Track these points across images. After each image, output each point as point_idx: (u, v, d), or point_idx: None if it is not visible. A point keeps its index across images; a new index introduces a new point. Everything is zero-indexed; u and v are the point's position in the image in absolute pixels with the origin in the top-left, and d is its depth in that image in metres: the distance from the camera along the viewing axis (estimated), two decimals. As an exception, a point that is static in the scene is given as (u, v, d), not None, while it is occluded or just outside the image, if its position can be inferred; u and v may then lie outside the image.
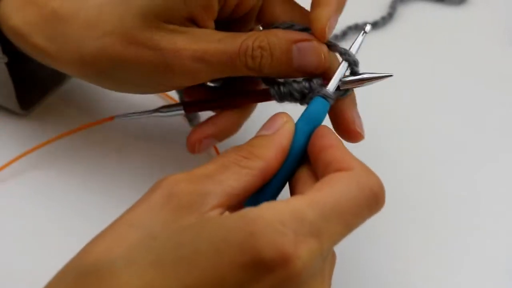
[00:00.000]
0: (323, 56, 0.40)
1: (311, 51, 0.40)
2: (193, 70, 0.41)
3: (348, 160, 0.35)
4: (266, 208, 0.31)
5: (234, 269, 0.30)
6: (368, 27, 0.41)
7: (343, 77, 0.41)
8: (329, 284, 0.35)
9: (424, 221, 0.48)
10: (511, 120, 0.56)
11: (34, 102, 0.52)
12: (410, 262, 0.46)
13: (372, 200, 0.34)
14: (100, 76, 0.44)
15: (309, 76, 0.41)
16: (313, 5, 0.41)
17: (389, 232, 0.47)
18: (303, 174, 0.37)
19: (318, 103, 0.39)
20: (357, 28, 0.61)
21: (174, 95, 0.53)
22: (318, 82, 0.41)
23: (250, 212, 0.31)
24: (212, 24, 0.42)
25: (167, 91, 0.46)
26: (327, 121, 0.40)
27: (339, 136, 0.38)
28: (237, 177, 0.34)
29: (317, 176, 0.36)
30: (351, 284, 0.44)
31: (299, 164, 0.38)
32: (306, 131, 0.38)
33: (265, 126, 0.38)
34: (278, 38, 0.40)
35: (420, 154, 0.53)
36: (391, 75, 0.41)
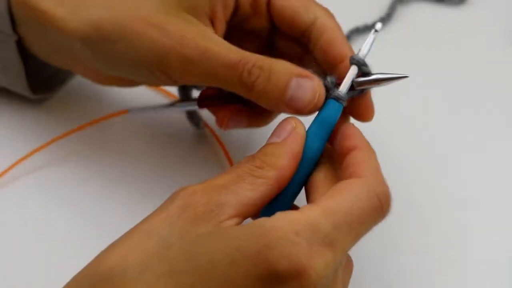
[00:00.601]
0: (316, 96, 0.39)
1: (308, 88, 0.39)
2: (188, 62, 0.40)
3: (363, 167, 0.35)
4: (280, 219, 0.32)
5: (248, 280, 0.30)
6: (378, 25, 0.41)
7: (358, 78, 0.40)
8: None
9: (423, 222, 0.48)
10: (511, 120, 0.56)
11: (46, 89, 0.52)
12: (410, 262, 0.46)
13: (378, 210, 0.34)
14: (101, 46, 0.42)
15: (296, 114, 0.40)
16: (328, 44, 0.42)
17: (389, 232, 0.47)
18: (319, 178, 0.37)
19: (332, 105, 0.39)
20: (359, 31, 0.61)
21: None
22: (332, 81, 0.40)
23: (264, 222, 0.32)
24: (224, 25, 0.43)
25: (158, 84, 0.44)
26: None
27: (363, 136, 0.38)
28: (253, 187, 0.35)
29: (335, 177, 0.37)
30: (351, 284, 0.44)
31: (314, 167, 0.38)
32: (320, 134, 0.38)
33: (275, 132, 0.38)
34: (281, 66, 0.40)
35: (420, 154, 0.53)
36: (407, 76, 0.41)
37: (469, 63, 0.60)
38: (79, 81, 0.54)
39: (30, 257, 0.45)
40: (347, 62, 0.41)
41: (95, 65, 0.45)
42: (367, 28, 0.61)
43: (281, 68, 0.40)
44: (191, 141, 0.52)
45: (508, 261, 0.46)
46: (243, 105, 0.44)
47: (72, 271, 0.34)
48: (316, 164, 0.38)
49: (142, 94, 0.54)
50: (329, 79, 0.40)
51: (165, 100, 0.54)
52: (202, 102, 0.46)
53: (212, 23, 0.43)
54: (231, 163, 0.50)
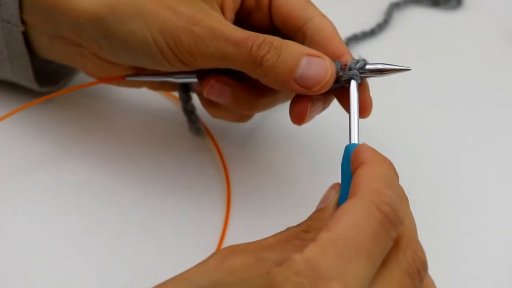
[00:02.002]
0: (329, 74, 0.40)
1: (320, 65, 0.40)
2: (199, 41, 0.41)
3: (360, 182, 0.33)
4: (284, 265, 0.31)
5: None
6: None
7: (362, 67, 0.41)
8: None
9: (423, 222, 0.47)
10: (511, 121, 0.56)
11: (52, 83, 0.52)
12: None
13: (384, 222, 0.32)
14: (115, 26, 0.43)
15: (305, 92, 0.41)
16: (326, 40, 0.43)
17: None
18: None
19: (345, 154, 0.37)
20: (357, 38, 0.61)
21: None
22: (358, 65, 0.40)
23: (268, 272, 0.31)
24: (233, 16, 0.44)
25: (163, 67, 0.44)
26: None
27: (371, 151, 0.36)
28: (296, 249, 0.33)
29: None
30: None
31: None
32: (344, 182, 0.37)
33: (322, 199, 0.38)
34: (292, 45, 0.40)
35: (419, 157, 0.53)
36: (409, 69, 0.41)
37: (467, 66, 0.61)
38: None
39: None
40: (345, 58, 0.41)
41: (105, 50, 0.44)
42: (365, 35, 0.62)
43: (292, 46, 0.40)
44: (187, 144, 0.52)
45: (508, 261, 0.46)
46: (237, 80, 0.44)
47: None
48: None
49: (144, 97, 0.54)
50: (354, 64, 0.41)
51: (167, 103, 0.55)
52: (201, 74, 0.45)
53: (222, 11, 0.44)
54: (224, 165, 0.50)
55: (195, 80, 0.46)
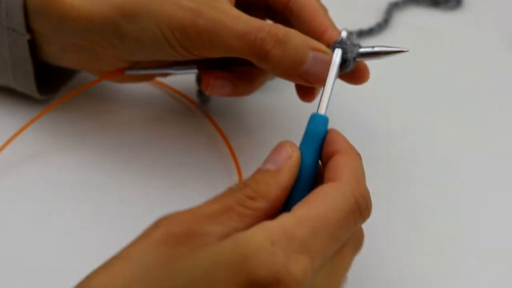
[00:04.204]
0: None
1: (325, 63, 0.40)
2: (203, 34, 0.41)
3: (341, 170, 0.36)
4: (255, 230, 0.32)
5: None
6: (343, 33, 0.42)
7: (359, 49, 0.41)
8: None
9: (423, 222, 0.48)
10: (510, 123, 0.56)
11: (52, 89, 0.52)
12: (410, 263, 0.46)
13: (356, 211, 0.34)
14: (125, 26, 0.44)
15: (308, 85, 0.41)
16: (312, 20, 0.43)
17: (388, 232, 0.47)
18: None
19: (318, 119, 0.39)
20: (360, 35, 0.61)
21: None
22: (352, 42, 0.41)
23: (241, 235, 0.32)
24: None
25: (174, 58, 0.45)
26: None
27: (346, 141, 0.38)
28: (241, 218, 0.34)
29: None
30: (351, 285, 0.43)
31: (313, 184, 0.37)
32: (312, 150, 0.38)
33: (270, 158, 0.37)
34: (297, 36, 0.40)
35: (419, 158, 0.52)
36: (407, 51, 0.41)
37: (466, 66, 0.60)
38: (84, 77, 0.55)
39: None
40: (330, 32, 0.42)
41: (120, 50, 0.45)
42: (362, 34, 0.62)
43: (297, 38, 0.40)
44: (190, 131, 0.52)
45: (508, 261, 0.46)
46: (248, 67, 0.45)
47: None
48: (314, 180, 0.38)
49: (147, 93, 0.54)
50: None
51: (169, 99, 0.55)
52: (202, 64, 0.46)
53: None
54: (231, 151, 0.50)
55: (195, 71, 0.47)
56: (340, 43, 0.41)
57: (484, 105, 0.57)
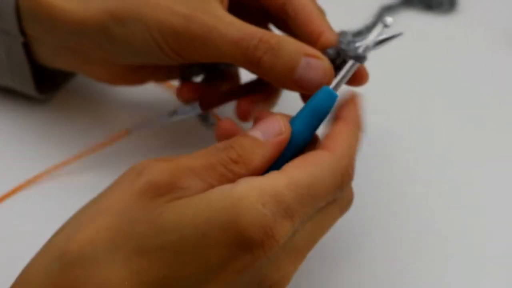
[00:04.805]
0: (327, 77, 0.40)
1: (319, 69, 0.40)
2: (195, 40, 0.41)
3: (337, 141, 0.37)
4: (247, 188, 0.32)
5: (218, 249, 0.31)
6: (389, 20, 0.41)
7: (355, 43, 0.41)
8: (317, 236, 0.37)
9: (423, 222, 0.48)
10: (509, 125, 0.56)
11: (51, 88, 0.53)
12: (408, 262, 0.46)
13: (337, 187, 0.36)
14: (116, 30, 0.43)
15: (303, 92, 0.40)
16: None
17: (388, 232, 0.47)
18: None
19: (326, 94, 0.38)
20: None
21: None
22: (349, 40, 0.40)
23: (232, 191, 0.32)
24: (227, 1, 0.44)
25: (165, 63, 0.45)
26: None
27: (356, 109, 0.39)
28: (220, 178, 0.35)
29: None
30: (352, 285, 0.44)
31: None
32: (310, 125, 0.37)
33: (260, 126, 0.37)
34: (290, 43, 0.40)
35: (418, 159, 0.52)
36: (401, 34, 0.42)
37: (459, 70, 0.60)
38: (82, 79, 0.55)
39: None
40: (327, 34, 0.42)
41: (111, 53, 0.45)
42: (356, 36, 0.61)
43: (290, 45, 0.40)
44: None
45: (508, 261, 0.46)
46: (251, 94, 0.45)
47: None
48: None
49: (147, 93, 0.54)
50: (330, 51, 0.41)
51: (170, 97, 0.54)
52: (204, 102, 0.46)
53: None
54: None
55: (198, 110, 0.46)
56: (336, 47, 0.41)
57: (476, 107, 0.57)
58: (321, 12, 0.44)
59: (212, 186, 0.34)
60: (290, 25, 0.44)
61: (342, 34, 0.42)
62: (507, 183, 0.51)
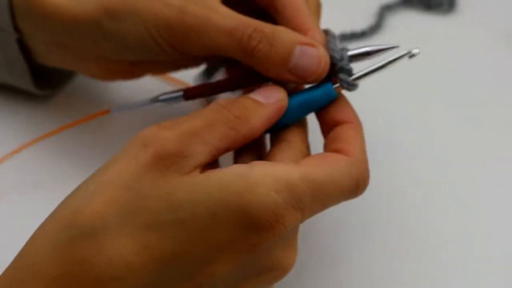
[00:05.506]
0: (322, 65, 0.39)
1: (314, 56, 0.39)
2: (190, 32, 0.41)
3: (353, 145, 0.37)
4: (264, 173, 0.33)
5: (228, 229, 0.32)
6: (415, 51, 0.41)
7: (349, 52, 0.40)
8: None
9: (423, 222, 0.48)
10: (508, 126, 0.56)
11: (49, 85, 0.52)
12: (408, 262, 0.46)
13: (352, 192, 0.36)
14: (111, 25, 0.43)
15: (299, 82, 0.40)
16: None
17: (388, 232, 0.47)
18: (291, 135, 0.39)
19: (328, 92, 0.39)
20: (345, 38, 0.60)
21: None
22: (339, 52, 0.40)
23: (248, 176, 0.33)
24: None
25: (161, 58, 0.44)
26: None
27: (353, 110, 0.39)
28: (223, 138, 0.35)
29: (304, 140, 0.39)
30: (353, 285, 0.45)
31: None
32: (302, 111, 0.38)
33: (260, 91, 0.38)
34: (284, 32, 0.40)
35: (418, 160, 0.52)
36: (397, 46, 0.41)
37: (458, 70, 0.60)
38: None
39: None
40: (312, 32, 0.41)
41: (105, 49, 0.45)
42: (353, 36, 0.61)
43: (284, 34, 0.40)
44: None
45: (508, 261, 0.46)
46: (238, 89, 0.44)
47: None
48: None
49: (144, 87, 0.54)
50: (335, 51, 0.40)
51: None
52: (188, 92, 0.45)
53: None
54: None
55: (181, 101, 0.45)
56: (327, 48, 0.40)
57: (477, 106, 0.57)
58: (318, 7, 0.44)
59: (216, 148, 0.34)
60: (278, 21, 0.44)
61: (328, 33, 0.41)
62: (507, 183, 0.51)
